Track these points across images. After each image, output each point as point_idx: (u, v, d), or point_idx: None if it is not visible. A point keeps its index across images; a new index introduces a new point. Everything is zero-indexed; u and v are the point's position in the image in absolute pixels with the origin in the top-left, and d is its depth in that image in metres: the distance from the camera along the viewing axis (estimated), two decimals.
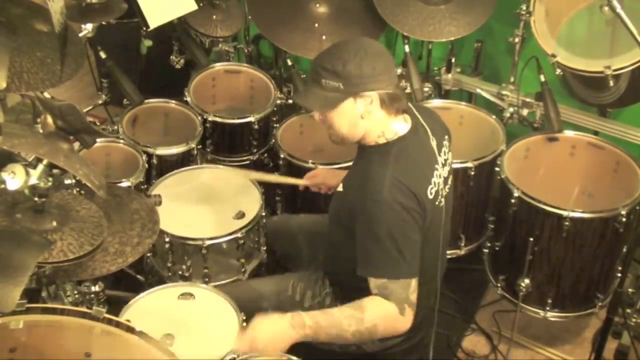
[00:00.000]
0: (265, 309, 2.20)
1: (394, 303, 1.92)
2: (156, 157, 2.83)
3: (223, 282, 2.50)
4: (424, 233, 1.98)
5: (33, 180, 1.82)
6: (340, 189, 2.10)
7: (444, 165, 2.08)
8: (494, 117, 2.98)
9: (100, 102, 3.43)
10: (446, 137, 2.15)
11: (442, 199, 2.05)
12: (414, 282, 1.94)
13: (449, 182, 2.12)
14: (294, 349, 2.03)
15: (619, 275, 2.47)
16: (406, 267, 1.93)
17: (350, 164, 2.23)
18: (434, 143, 2.05)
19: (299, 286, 2.29)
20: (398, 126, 2.02)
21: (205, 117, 3.00)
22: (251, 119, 3.02)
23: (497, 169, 2.73)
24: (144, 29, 2.92)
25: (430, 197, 1.98)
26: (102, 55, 3.00)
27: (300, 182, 2.60)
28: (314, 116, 2.07)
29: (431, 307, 2.19)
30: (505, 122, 2.98)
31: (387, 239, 1.91)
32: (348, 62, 1.92)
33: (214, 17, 3.21)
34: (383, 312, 1.93)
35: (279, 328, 1.94)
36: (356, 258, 1.97)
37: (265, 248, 2.60)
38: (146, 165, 2.75)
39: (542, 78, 2.80)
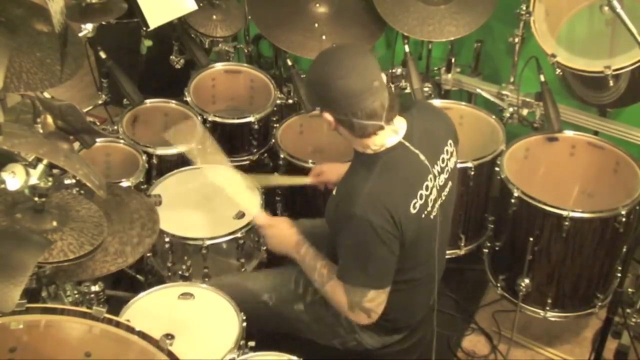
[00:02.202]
0: (266, 302, 2.22)
1: (347, 299, 2.01)
2: (156, 157, 2.83)
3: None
4: (410, 245, 1.96)
5: (33, 180, 1.82)
6: (334, 192, 2.09)
7: (440, 173, 2.03)
8: (494, 117, 2.98)
9: (100, 102, 3.42)
10: (449, 141, 2.09)
11: (434, 209, 2.01)
12: (372, 293, 1.97)
13: (447, 189, 2.07)
14: (293, 348, 2.04)
15: (619, 275, 2.47)
16: (366, 279, 1.96)
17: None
18: (424, 154, 1.98)
19: (301, 280, 2.28)
20: (384, 138, 1.95)
21: (205, 117, 3.00)
22: (251, 119, 3.01)
23: (497, 169, 2.72)
24: (144, 29, 2.92)
25: (414, 211, 1.94)
26: (102, 55, 3.00)
27: (306, 180, 2.58)
28: None
29: (430, 307, 2.20)
30: (505, 122, 2.98)
31: (352, 251, 1.96)
32: (316, 79, 1.93)
33: (214, 17, 3.21)
34: (337, 295, 2.04)
35: (292, 235, 2.18)
36: None
37: (265, 248, 2.60)
38: (146, 165, 2.75)
39: (542, 78, 2.80)
